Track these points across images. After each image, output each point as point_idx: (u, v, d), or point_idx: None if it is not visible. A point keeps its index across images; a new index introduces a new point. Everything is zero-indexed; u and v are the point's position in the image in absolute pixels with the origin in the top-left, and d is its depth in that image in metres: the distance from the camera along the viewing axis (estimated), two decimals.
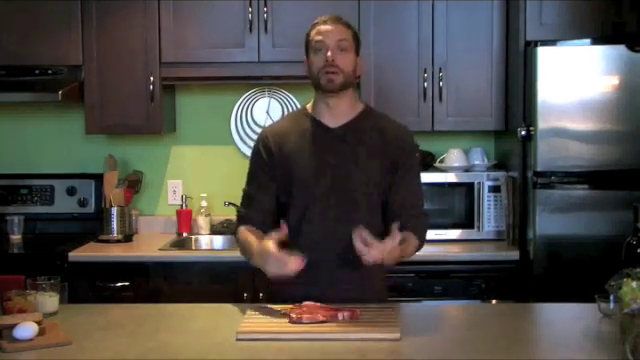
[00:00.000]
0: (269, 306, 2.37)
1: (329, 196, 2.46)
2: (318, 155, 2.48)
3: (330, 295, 2.36)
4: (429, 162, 4.00)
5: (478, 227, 3.80)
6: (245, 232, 2.49)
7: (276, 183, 2.51)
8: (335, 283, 2.44)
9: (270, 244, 2.27)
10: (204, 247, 4.07)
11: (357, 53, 2.51)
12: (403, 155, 2.50)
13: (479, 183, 3.80)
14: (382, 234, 2.37)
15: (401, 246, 2.31)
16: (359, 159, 2.47)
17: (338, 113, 2.50)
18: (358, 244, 2.23)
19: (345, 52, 2.44)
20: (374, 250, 2.22)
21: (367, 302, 2.38)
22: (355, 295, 2.42)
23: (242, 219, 2.55)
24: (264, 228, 2.47)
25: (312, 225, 2.46)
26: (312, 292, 2.34)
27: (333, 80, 2.43)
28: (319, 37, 2.44)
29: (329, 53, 2.41)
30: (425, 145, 4.01)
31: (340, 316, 2.22)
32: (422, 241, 2.52)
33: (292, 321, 2.20)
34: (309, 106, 2.57)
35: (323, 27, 2.45)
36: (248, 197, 2.57)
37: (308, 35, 2.49)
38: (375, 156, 2.48)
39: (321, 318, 2.20)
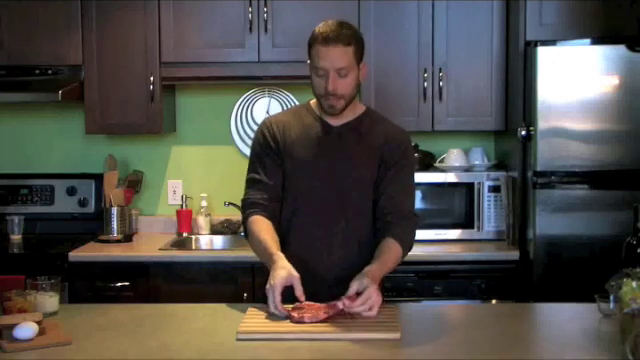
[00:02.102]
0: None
1: (322, 191, 2.47)
2: (316, 150, 2.49)
3: (324, 291, 2.36)
4: (429, 162, 4.00)
5: (478, 227, 3.80)
6: (259, 228, 2.44)
7: (281, 170, 2.51)
8: (327, 280, 2.45)
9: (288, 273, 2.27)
10: (204, 247, 4.07)
11: (361, 60, 2.47)
12: (397, 156, 2.51)
13: (479, 183, 3.80)
14: (371, 232, 2.50)
15: (380, 269, 2.34)
16: (355, 158, 2.49)
17: (340, 115, 2.51)
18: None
19: (346, 77, 2.41)
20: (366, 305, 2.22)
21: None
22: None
23: (250, 204, 2.51)
24: (273, 214, 2.48)
25: (304, 219, 2.48)
26: (306, 289, 2.32)
27: (334, 106, 2.45)
28: (319, 63, 2.39)
29: (330, 86, 2.39)
30: (425, 145, 4.01)
31: (340, 305, 2.21)
32: (409, 245, 2.50)
33: (294, 321, 2.20)
34: (313, 102, 2.57)
35: (323, 49, 2.38)
36: (255, 181, 2.52)
37: (310, 46, 2.43)
38: (371, 156, 2.50)
39: (323, 316, 2.20)
